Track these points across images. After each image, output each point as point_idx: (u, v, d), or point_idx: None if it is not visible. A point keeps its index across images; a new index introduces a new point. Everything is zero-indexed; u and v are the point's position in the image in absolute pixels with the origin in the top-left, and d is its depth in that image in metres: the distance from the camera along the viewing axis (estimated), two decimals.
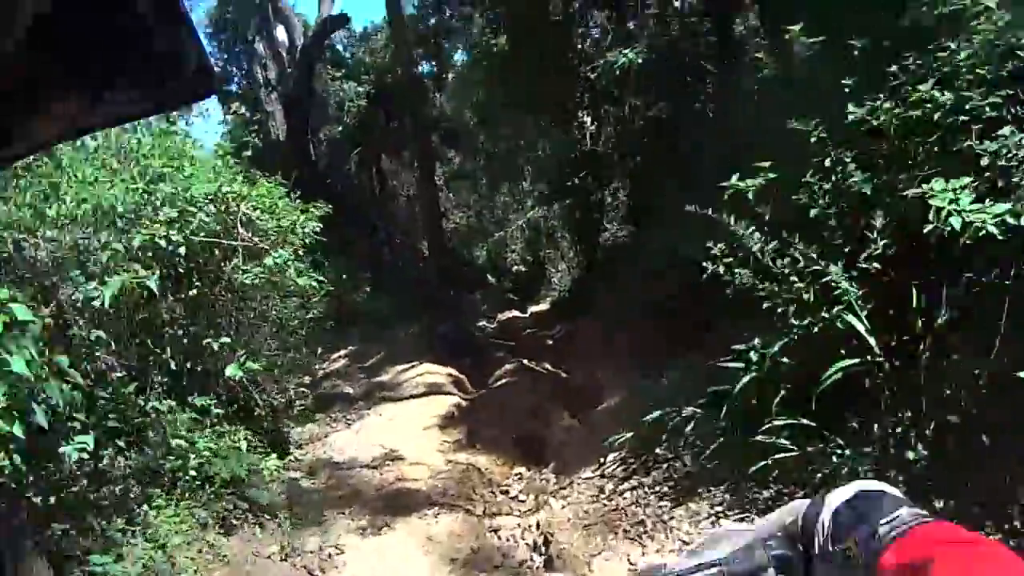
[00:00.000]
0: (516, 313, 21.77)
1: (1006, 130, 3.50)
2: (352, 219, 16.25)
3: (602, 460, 5.87)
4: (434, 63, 20.35)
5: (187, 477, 5.06)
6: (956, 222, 3.31)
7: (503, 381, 9.45)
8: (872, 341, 3.89)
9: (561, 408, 7.90)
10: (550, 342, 12.82)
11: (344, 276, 13.13)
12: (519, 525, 5.47)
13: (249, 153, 10.44)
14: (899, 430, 3.86)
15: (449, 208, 21.15)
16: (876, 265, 3.96)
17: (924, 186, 3.58)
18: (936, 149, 3.83)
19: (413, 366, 9.60)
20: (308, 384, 8.00)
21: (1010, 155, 3.43)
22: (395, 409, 8.29)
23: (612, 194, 13.23)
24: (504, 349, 11.84)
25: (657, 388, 6.20)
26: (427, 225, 13.20)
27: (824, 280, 4.07)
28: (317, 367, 9.32)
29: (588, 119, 12.54)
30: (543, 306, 21.54)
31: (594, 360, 9.13)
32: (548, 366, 10.08)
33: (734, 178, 4.63)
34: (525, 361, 10.19)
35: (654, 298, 7.64)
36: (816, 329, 4.09)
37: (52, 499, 4.10)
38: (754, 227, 4.48)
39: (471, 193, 24.94)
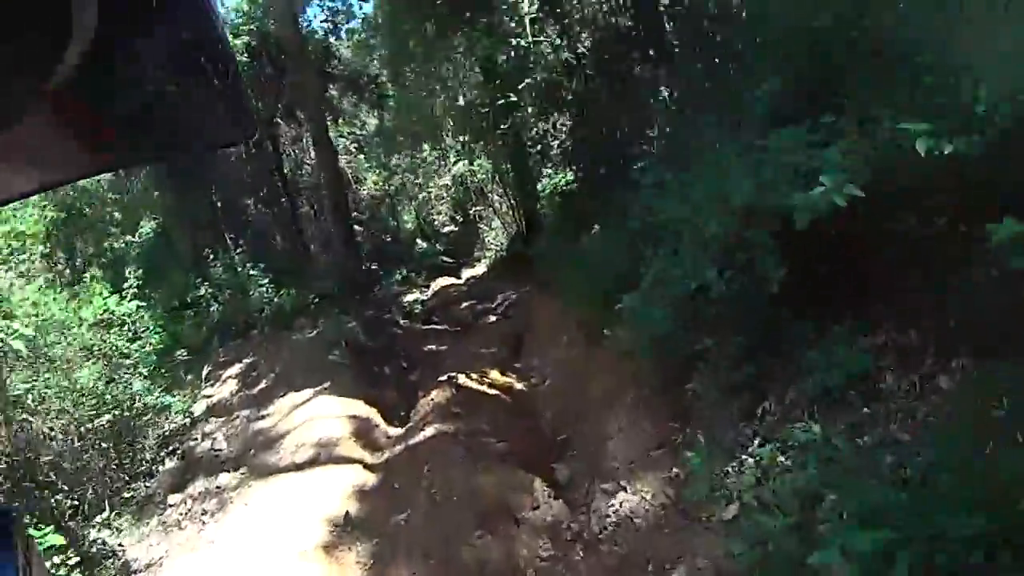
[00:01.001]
0: (452, 280, 19.88)
1: None
2: (239, 204, 13.77)
3: None
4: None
5: None
6: None
7: (430, 432, 6.08)
8: None
9: (528, 474, 5.13)
10: (493, 319, 10.94)
11: (240, 272, 10.91)
12: None
13: None
14: None
15: (362, 173, 18.61)
16: None
17: None
18: None
19: (307, 401, 7.06)
20: (166, 439, 5.94)
21: None
22: (269, 493, 5.94)
23: (551, 129, 10.85)
24: (437, 339, 9.83)
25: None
26: (331, 195, 10.87)
27: None
28: (185, 405, 7.35)
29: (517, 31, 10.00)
30: (479, 269, 19.67)
31: (552, 347, 7.37)
32: (497, 376, 7.50)
33: None
34: (463, 379, 7.16)
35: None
36: None
37: None
38: None
39: (391, 154, 22.47)
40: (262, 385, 7.81)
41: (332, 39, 16.43)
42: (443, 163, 21.42)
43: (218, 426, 7.38)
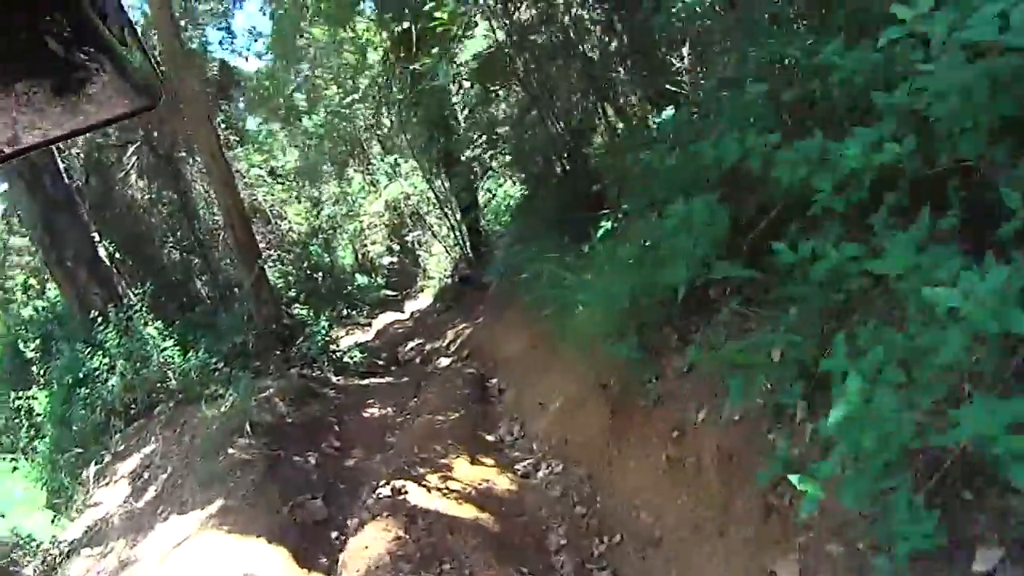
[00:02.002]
0: (395, 315, 17.91)
1: None
2: (141, 250, 11.49)
3: None
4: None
5: None
6: None
7: None
8: None
9: None
10: (446, 361, 9.11)
11: (141, 334, 8.77)
12: None
13: None
14: None
15: (283, 208, 16.52)
16: None
17: None
18: None
19: (186, 540, 4.63)
20: None
21: None
22: None
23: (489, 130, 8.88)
24: (380, 399, 7.84)
25: None
26: (234, 232, 8.78)
27: None
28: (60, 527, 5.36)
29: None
30: (423, 300, 17.81)
31: (542, 409, 5.60)
32: (467, 469, 4.95)
33: None
34: (416, 493, 4.49)
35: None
36: None
37: None
38: None
39: (316, 184, 20.42)
40: (149, 495, 5.68)
41: (232, 56, 14.41)
42: (372, 189, 19.51)
43: (89, 565, 5.26)
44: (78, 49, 0.56)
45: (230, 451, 5.44)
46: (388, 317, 17.93)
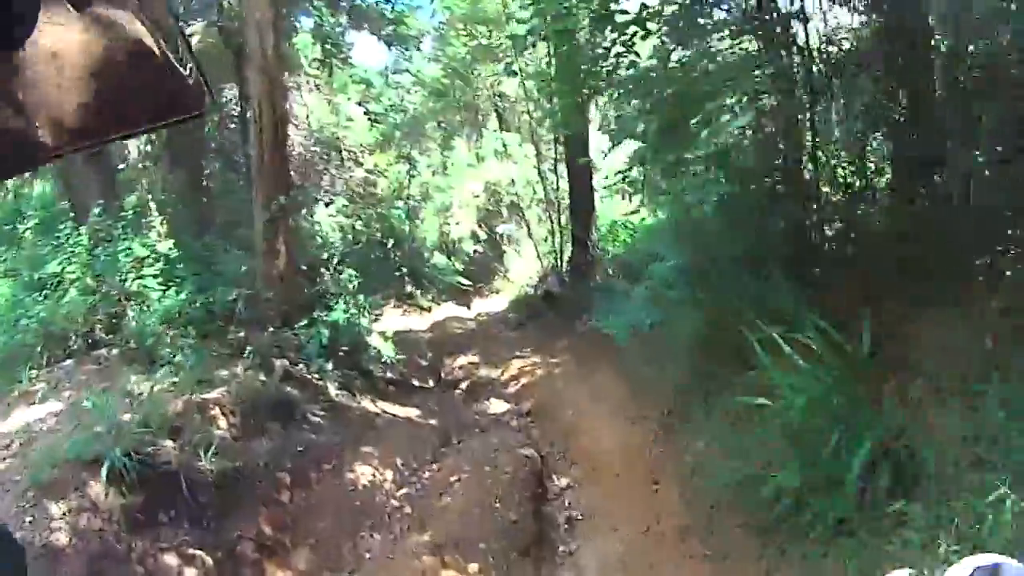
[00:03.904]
0: (460, 311, 15.40)
1: None
2: (179, 154, 9.27)
3: None
4: None
5: None
6: None
7: None
8: None
9: None
10: (498, 408, 6.41)
11: (116, 244, 6.62)
12: None
13: None
14: None
15: (361, 153, 14.21)
16: None
17: None
18: None
19: None
20: None
21: None
22: None
23: None
24: (380, 448, 5.05)
25: None
26: (261, 143, 6.22)
27: None
28: None
29: None
30: (496, 302, 15.21)
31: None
32: None
33: None
34: None
35: None
36: None
37: None
38: None
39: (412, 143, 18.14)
40: None
41: None
42: (475, 164, 16.99)
43: None
44: None
45: (51, 509, 2.87)
46: (451, 310, 15.48)
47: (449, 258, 19.41)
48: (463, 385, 7.80)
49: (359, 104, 13.34)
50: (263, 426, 4.46)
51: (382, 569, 3.20)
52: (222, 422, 4.09)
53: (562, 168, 11.89)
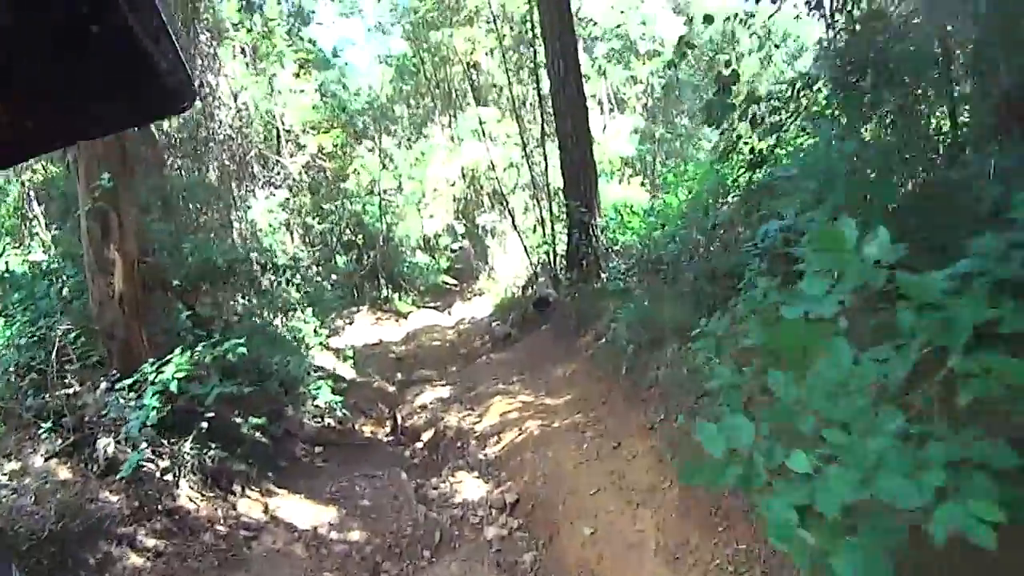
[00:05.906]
0: (438, 320, 13.25)
1: None
2: None
3: None
4: None
5: None
6: None
7: None
8: None
9: None
10: (474, 492, 4.30)
11: None
12: None
13: None
14: None
15: (308, 131, 11.98)
16: None
17: None
18: None
19: None
20: None
21: None
22: None
23: None
24: None
25: None
26: None
27: None
28: None
29: None
30: (479, 309, 13.08)
31: None
32: None
33: None
34: None
35: None
36: None
37: None
38: None
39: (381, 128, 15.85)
40: None
41: None
42: (451, 148, 14.70)
43: None
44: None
45: None
46: (429, 318, 13.41)
47: (432, 256, 17.38)
48: (424, 437, 5.63)
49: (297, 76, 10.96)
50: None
51: None
52: None
53: (551, 145, 9.65)
